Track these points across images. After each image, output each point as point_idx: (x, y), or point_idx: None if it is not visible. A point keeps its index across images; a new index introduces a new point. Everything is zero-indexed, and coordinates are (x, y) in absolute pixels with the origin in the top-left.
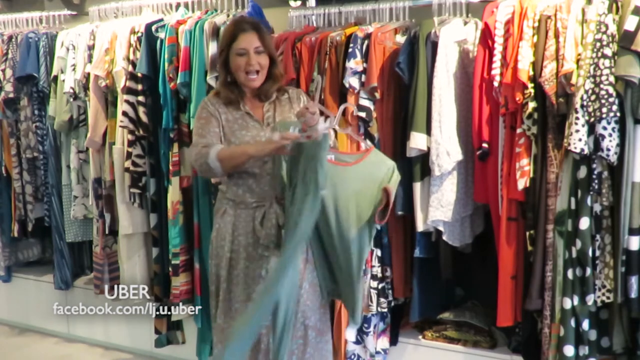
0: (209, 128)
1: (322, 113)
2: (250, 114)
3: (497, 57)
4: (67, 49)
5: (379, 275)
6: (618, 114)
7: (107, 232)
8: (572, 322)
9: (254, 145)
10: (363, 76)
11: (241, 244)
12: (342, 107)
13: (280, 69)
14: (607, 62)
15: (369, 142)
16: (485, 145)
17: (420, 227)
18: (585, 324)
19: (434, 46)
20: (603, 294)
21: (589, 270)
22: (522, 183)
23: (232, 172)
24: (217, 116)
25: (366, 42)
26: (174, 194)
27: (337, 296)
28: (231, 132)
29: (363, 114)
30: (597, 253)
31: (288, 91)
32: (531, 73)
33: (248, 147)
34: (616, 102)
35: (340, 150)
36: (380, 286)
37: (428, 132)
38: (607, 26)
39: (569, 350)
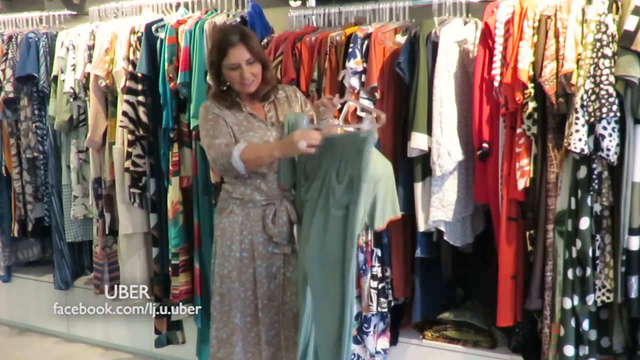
0: (220, 128)
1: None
2: (253, 114)
3: (497, 57)
4: (67, 49)
5: (379, 275)
6: (618, 114)
7: (107, 232)
8: (572, 322)
9: (279, 146)
10: (363, 76)
11: (252, 242)
12: (346, 107)
13: (272, 72)
14: (607, 62)
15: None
16: (485, 145)
17: (421, 227)
18: (585, 324)
19: (435, 46)
20: (603, 294)
21: (589, 270)
22: (522, 183)
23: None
24: (223, 117)
25: (366, 42)
26: (174, 194)
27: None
28: (239, 133)
29: (363, 114)
30: (597, 253)
31: (284, 89)
32: (531, 73)
33: (273, 149)
34: (616, 102)
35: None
36: (380, 286)
37: (429, 132)
38: (607, 26)
39: (569, 350)
